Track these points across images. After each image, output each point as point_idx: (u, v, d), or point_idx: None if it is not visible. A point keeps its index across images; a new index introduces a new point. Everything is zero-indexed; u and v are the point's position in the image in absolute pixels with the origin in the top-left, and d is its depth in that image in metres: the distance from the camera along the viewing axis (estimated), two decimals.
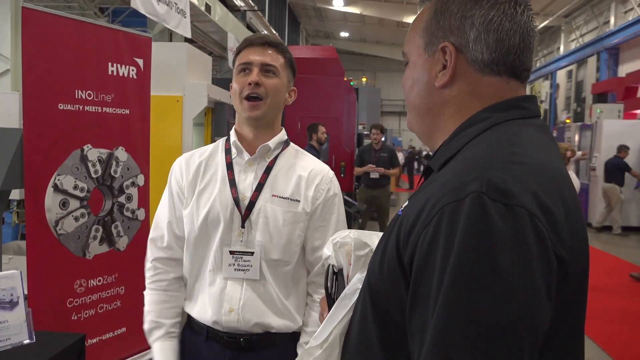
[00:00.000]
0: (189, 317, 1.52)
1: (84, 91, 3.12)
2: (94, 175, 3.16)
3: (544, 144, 0.84)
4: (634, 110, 16.74)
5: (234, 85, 1.48)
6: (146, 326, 1.51)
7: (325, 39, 35.83)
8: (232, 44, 14.73)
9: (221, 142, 1.58)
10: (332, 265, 0.98)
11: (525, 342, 0.67)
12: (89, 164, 3.16)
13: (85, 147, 3.14)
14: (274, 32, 23.47)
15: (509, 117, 0.84)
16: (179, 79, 4.53)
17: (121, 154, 3.36)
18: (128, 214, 3.38)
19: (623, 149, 10.17)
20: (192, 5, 11.18)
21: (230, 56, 14.27)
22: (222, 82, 6.12)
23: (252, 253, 1.43)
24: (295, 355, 1.39)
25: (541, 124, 0.89)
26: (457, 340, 0.67)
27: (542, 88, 28.97)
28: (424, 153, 29.51)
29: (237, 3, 17.28)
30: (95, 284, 3.17)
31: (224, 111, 5.22)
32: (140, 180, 3.50)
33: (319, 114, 8.23)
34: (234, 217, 1.45)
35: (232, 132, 1.53)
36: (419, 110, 0.93)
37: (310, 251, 1.52)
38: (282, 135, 1.55)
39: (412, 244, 0.75)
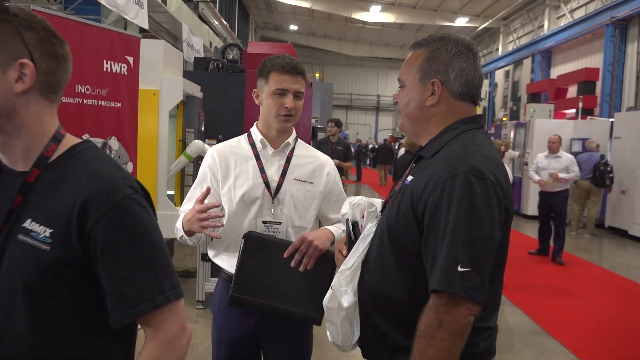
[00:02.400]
0: (222, 271, 1.94)
1: (82, 86, 3.43)
2: None
3: (489, 144, 1.38)
4: (563, 110, 18.10)
5: (269, 101, 1.89)
6: (177, 224, 1.85)
7: (274, 31, 36.00)
8: (187, 34, 14.85)
9: (243, 138, 2.00)
10: (349, 220, 1.46)
11: (491, 250, 1.23)
12: None
13: (83, 137, 3.44)
14: (225, 22, 23.52)
15: (470, 128, 1.37)
16: (155, 74, 4.82)
17: (114, 143, 3.69)
18: None
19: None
20: None
21: (185, 47, 14.38)
22: (187, 74, 6.43)
23: (280, 222, 1.89)
24: None
25: (485, 132, 1.44)
26: (460, 248, 1.20)
27: (482, 86, 30.44)
28: (370, 146, 30.42)
29: None
30: None
31: (195, 104, 5.56)
32: (130, 167, 3.84)
33: None
34: (265, 196, 1.89)
35: (257, 131, 1.97)
36: (412, 119, 1.42)
37: (325, 220, 2.01)
38: (294, 134, 2.01)
39: (424, 202, 1.27)
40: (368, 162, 29.67)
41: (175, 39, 17.91)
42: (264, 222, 1.88)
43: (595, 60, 18.73)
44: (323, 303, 1.43)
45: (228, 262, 1.89)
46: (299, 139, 2.03)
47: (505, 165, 8.50)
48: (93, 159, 1.12)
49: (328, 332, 1.44)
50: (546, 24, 22.84)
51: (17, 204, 1.07)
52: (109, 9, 9.66)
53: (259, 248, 1.81)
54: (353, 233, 1.45)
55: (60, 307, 1.06)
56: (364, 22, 29.96)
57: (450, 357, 1.18)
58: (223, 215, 1.82)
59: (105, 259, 1.04)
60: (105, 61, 3.60)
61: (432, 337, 1.18)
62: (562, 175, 7.12)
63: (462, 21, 27.61)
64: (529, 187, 11.78)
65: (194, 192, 1.96)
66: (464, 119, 1.38)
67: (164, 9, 12.87)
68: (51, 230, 1.03)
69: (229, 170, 1.93)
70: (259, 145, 1.95)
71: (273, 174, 1.92)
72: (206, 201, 1.76)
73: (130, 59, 3.82)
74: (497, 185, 1.25)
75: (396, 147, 22.03)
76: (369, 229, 1.41)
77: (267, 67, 1.90)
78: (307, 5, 27.63)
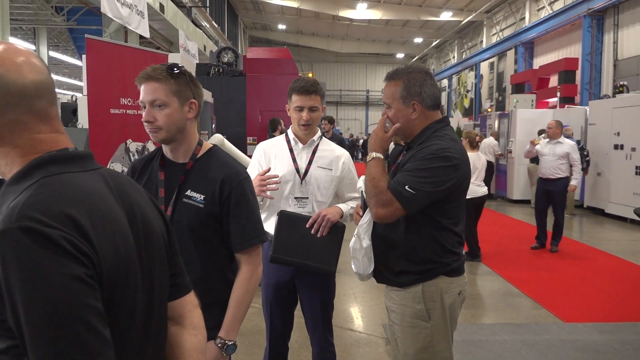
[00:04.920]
0: (267, 234, 2.59)
1: (125, 98, 4.09)
2: None
3: (454, 135, 2.06)
4: (545, 99, 18.86)
5: (294, 115, 2.56)
6: None
7: (262, 31, 36.55)
8: (183, 40, 15.42)
9: (282, 137, 2.68)
10: (363, 191, 2.14)
11: (426, 187, 1.91)
12: (130, 154, 4.13)
13: (127, 141, 4.12)
14: (215, 25, 24.07)
15: (441, 127, 2.05)
16: None
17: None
18: None
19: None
20: (148, 5, 11.87)
21: (182, 52, 14.95)
22: None
23: (307, 198, 2.56)
24: None
25: (451, 127, 2.11)
26: (413, 176, 1.91)
27: (468, 78, 31.12)
28: (361, 141, 31.13)
29: (183, 0, 17.89)
30: None
31: (208, 108, 6.21)
32: None
33: (276, 108, 9.30)
34: (296, 179, 2.56)
35: (291, 132, 2.64)
36: (403, 129, 2.10)
37: (341, 196, 2.68)
38: (318, 132, 2.67)
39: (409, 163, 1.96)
40: (360, 156, 30.36)
41: (170, 44, 18.48)
42: (295, 197, 2.56)
43: (574, 50, 19.53)
44: (350, 245, 2.11)
45: (271, 227, 2.56)
46: (323, 137, 2.71)
47: (481, 151, 9.26)
48: (223, 156, 1.84)
49: (353, 266, 2.13)
50: (527, 16, 23.60)
51: (182, 181, 1.77)
52: (112, 19, 10.25)
53: (288, 222, 2.47)
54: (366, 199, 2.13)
55: (208, 240, 1.76)
56: (351, 20, 30.60)
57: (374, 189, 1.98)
58: (279, 182, 2.49)
59: (234, 212, 1.75)
60: None
61: (372, 185, 2.01)
62: (573, 182, 7.11)
63: (446, 15, 28.34)
64: (514, 173, 12.53)
65: (251, 172, 2.63)
66: (435, 121, 2.07)
67: (162, 17, 13.46)
68: (203, 196, 1.74)
69: (270, 160, 2.61)
70: (292, 142, 2.63)
71: (302, 163, 2.59)
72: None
73: None
74: (459, 160, 1.95)
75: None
76: None
77: (290, 89, 2.58)
78: (294, 4, 28.19)
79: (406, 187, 1.90)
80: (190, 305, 1.26)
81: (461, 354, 3.78)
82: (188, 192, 1.76)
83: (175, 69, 1.74)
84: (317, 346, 2.65)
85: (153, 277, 1.10)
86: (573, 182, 7.18)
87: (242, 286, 1.76)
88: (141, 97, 1.75)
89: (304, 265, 2.47)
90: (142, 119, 1.76)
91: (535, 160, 11.56)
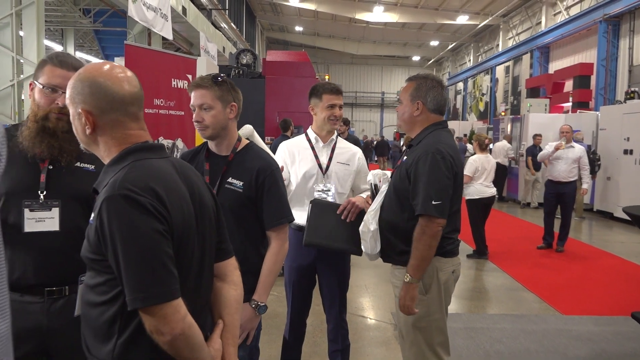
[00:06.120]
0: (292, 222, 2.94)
1: (158, 99, 4.47)
2: None
3: (449, 137, 2.40)
4: (560, 103, 19.00)
5: (324, 112, 2.88)
6: None
7: (280, 33, 36.99)
8: (203, 42, 15.87)
9: (302, 137, 3.02)
10: (372, 183, 2.47)
11: (448, 191, 2.25)
12: None
13: (159, 139, 4.49)
14: (234, 27, 24.54)
15: (438, 128, 2.38)
16: None
17: (180, 143, 4.72)
18: None
19: (537, 136, 12.02)
20: (171, 8, 12.31)
21: (202, 53, 15.40)
22: None
23: (329, 190, 2.89)
24: None
25: (448, 129, 2.45)
26: (432, 190, 2.20)
27: (484, 82, 31.18)
28: (375, 143, 31.40)
29: (203, 2, 18.35)
30: None
31: None
32: None
33: (293, 109, 9.67)
34: (318, 173, 2.90)
35: (312, 132, 2.97)
36: (406, 122, 2.44)
37: (357, 188, 3.01)
38: (336, 133, 3.01)
39: (412, 168, 2.29)
40: (375, 158, 30.65)
41: (190, 45, 18.95)
42: (318, 190, 2.90)
43: (590, 56, 19.60)
44: (359, 229, 2.45)
45: (295, 216, 2.90)
46: (339, 137, 3.06)
47: (494, 154, 9.58)
48: (258, 150, 2.20)
49: (362, 246, 2.47)
50: (543, 20, 23.68)
51: (224, 171, 2.12)
52: (136, 22, 10.70)
53: (320, 209, 2.80)
54: (375, 190, 2.47)
55: (245, 219, 2.11)
56: (368, 22, 30.87)
57: (430, 250, 2.21)
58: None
59: (267, 196, 2.10)
60: (172, 79, 4.64)
61: (420, 239, 2.21)
62: (585, 185, 7.43)
63: (462, 19, 28.50)
64: (524, 177, 12.75)
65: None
66: (434, 123, 2.41)
67: (184, 20, 13.90)
68: (242, 182, 2.09)
69: (294, 157, 2.95)
70: (313, 141, 2.97)
71: (323, 159, 2.94)
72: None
73: (190, 76, 4.85)
74: (450, 158, 2.27)
75: (401, 142, 23.17)
76: (383, 188, 2.44)
77: (319, 90, 2.92)
78: (312, 7, 28.56)
79: (433, 202, 2.20)
80: (231, 267, 1.61)
81: (463, 339, 4.09)
82: (229, 179, 2.12)
83: (219, 78, 2.09)
84: (333, 322, 3.00)
85: (205, 240, 1.45)
86: (585, 186, 7.45)
87: (272, 258, 2.11)
88: (192, 102, 2.12)
89: (335, 247, 2.77)
90: (192, 119, 2.13)
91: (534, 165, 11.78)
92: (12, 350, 0.98)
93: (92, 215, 1.29)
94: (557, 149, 7.29)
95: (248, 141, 2.25)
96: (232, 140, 2.18)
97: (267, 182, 2.12)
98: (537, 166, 11.64)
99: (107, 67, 1.37)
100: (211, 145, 2.22)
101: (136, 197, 1.23)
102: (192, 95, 2.12)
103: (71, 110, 1.37)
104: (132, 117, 1.38)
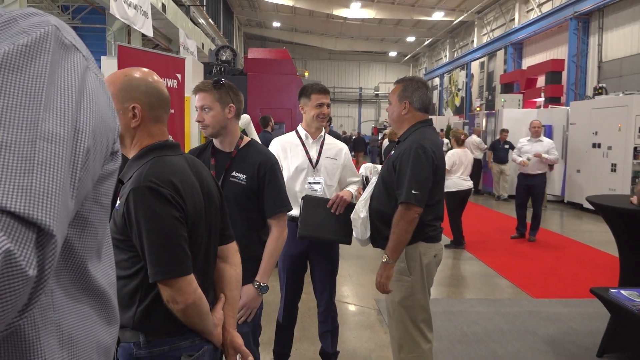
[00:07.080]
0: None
1: None
2: None
3: (433, 133, 2.66)
4: (533, 99, 19.53)
5: (313, 110, 3.09)
6: None
7: (257, 28, 36.95)
8: (182, 39, 15.90)
9: (293, 133, 3.24)
10: (363, 175, 2.72)
11: (428, 183, 2.52)
12: None
13: None
14: (212, 22, 24.54)
15: (423, 125, 2.64)
16: (189, 84, 6.03)
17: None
18: None
19: (503, 132, 12.51)
20: (151, 5, 12.36)
21: (182, 50, 15.45)
22: None
23: (319, 183, 3.12)
24: None
25: (433, 127, 2.71)
26: (412, 181, 2.46)
27: (459, 77, 31.73)
28: (353, 137, 31.74)
29: None
30: None
31: None
32: None
33: (275, 105, 9.87)
34: (308, 167, 3.12)
35: (302, 129, 3.19)
36: (395, 121, 2.70)
37: (344, 181, 3.24)
38: (324, 130, 3.24)
39: (398, 161, 2.54)
40: (352, 154, 31.01)
41: (169, 42, 18.94)
42: (309, 182, 3.14)
43: (561, 52, 20.19)
44: (351, 217, 2.70)
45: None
46: (326, 134, 3.30)
47: (469, 148, 9.92)
48: (259, 146, 2.42)
49: (354, 232, 2.73)
50: (517, 17, 24.22)
51: (229, 165, 2.34)
52: (115, 18, 10.75)
53: (312, 204, 3.04)
54: (366, 181, 2.73)
55: (248, 209, 2.34)
56: (345, 18, 31.13)
57: (407, 234, 2.47)
58: None
59: (267, 188, 2.33)
60: (163, 79, 4.81)
61: (398, 224, 2.47)
62: (544, 155, 7.58)
63: (438, 15, 28.94)
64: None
65: None
66: (420, 121, 2.67)
67: (164, 16, 13.94)
68: (245, 175, 2.31)
69: (286, 152, 3.18)
70: (304, 137, 3.20)
71: (313, 154, 3.17)
72: None
73: (179, 75, 5.03)
74: (431, 153, 2.52)
75: (379, 137, 23.56)
76: (373, 180, 2.69)
77: (309, 90, 3.15)
78: (289, 3, 28.65)
79: (413, 191, 2.46)
80: (232, 250, 1.83)
81: (442, 321, 4.39)
82: (233, 173, 2.35)
83: (219, 82, 2.31)
84: (324, 306, 3.25)
85: (211, 227, 1.67)
86: (545, 156, 7.59)
87: (273, 243, 2.35)
88: (195, 104, 2.34)
89: (326, 238, 3.04)
90: (195, 119, 2.34)
91: (497, 159, 12.33)
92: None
93: (118, 202, 1.51)
94: (523, 165, 7.70)
95: (250, 139, 2.47)
96: (234, 138, 2.40)
97: (268, 175, 2.35)
98: (499, 159, 12.26)
99: (148, 71, 1.60)
100: (216, 142, 2.44)
101: (158, 188, 1.46)
102: (196, 98, 2.34)
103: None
104: (166, 116, 1.61)
